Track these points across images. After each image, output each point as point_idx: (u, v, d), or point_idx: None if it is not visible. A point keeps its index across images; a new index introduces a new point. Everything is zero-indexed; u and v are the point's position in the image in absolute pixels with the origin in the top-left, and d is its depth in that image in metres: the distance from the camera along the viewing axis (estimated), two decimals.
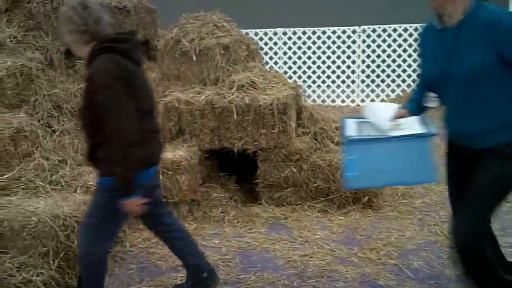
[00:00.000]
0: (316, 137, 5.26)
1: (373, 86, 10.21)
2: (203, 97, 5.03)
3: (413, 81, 10.00)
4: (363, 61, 10.10)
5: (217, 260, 4.10)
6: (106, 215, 3.10)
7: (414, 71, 9.96)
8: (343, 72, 10.19)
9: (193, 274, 3.56)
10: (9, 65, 5.00)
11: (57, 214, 3.80)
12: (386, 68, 10.05)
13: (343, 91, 10.33)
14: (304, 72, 10.39)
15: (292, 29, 10.23)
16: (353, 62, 10.11)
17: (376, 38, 9.95)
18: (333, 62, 10.18)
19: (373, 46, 9.99)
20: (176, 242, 3.55)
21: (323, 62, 10.24)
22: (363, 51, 10.06)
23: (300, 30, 10.19)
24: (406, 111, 3.19)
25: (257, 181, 5.13)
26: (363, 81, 10.21)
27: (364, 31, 9.97)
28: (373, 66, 10.09)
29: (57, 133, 5.07)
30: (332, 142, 5.27)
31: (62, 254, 3.75)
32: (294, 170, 4.99)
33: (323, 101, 10.30)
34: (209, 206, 4.97)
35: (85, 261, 3.19)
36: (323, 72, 10.30)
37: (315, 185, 5.02)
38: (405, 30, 9.84)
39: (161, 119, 5.18)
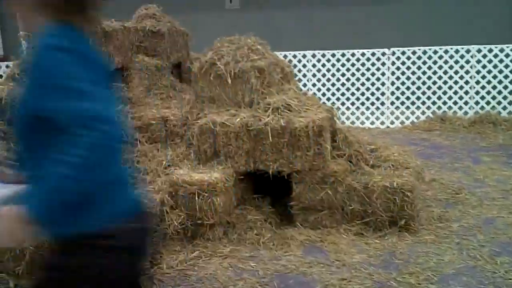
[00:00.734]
0: (351, 159, 5.23)
1: (402, 108, 10.14)
2: (238, 120, 5.06)
3: (444, 103, 9.92)
4: (393, 83, 10.07)
5: (254, 284, 4.07)
6: None
7: (444, 93, 9.88)
8: (373, 94, 10.16)
9: None
10: None
11: None
12: (416, 90, 9.99)
13: (372, 113, 10.29)
14: (333, 94, 10.39)
15: (321, 52, 10.27)
16: (383, 84, 10.08)
17: (406, 60, 9.92)
18: (363, 84, 10.16)
19: (403, 68, 9.95)
20: None
21: (353, 84, 10.23)
22: (393, 73, 10.02)
23: (329, 52, 10.23)
24: None
25: (292, 203, 5.11)
26: (392, 103, 10.15)
27: (393, 53, 9.95)
28: (402, 88, 10.04)
29: None
30: (367, 165, 5.23)
31: None
32: (330, 192, 4.96)
33: (352, 123, 10.27)
34: (244, 228, 4.96)
35: None
36: (353, 94, 10.28)
37: (350, 207, 4.98)
38: (435, 52, 9.80)
39: (196, 140, 5.24)
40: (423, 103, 10.03)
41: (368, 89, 10.17)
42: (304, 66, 10.39)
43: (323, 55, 10.28)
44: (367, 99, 10.21)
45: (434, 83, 9.90)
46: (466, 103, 9.85)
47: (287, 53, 10.21)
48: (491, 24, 10.39)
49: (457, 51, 9.70)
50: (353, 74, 10.17)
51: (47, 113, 1.77)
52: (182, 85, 7.38)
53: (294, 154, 4.93)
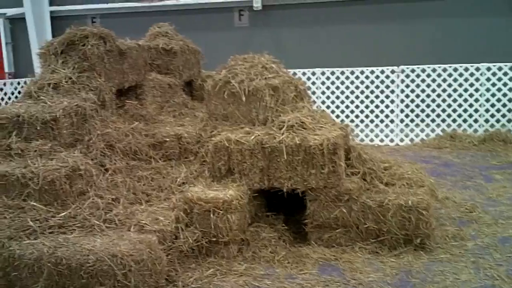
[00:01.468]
0: (365, 177, 5.23)
1: (412, 125, 10.14)
2: (252, 137, 5.09)
3: (453, 121, 9.92)
4: (402, 101, 10.08)
5: None
6: None
7: (454, 111, 9.88)
8: (382, 111, 10.18)
9: None
10: (65, 105, 5.18)
11: (115, 252, 3.84)
12: (425, 108, 10.00)
13: (381, 131, 10.29)
14: (342, 112, 10.41)
15: (330, 69, 10.32)
16: (392, 101, 10.09)
17: (415, 78, 9.95)
18: (372, 101, 10.18)
19: (412, 86, 9.98)
20: None
21: (362, 102, 10.25)
22: (402, 91, 10.05)
23: (338, 70, 10.27)
24: None
25: (306, 221, 5.10)
26: (402, 121, 10.16)
27: (403, 71, 9.99)
28: (412, 105, 10.05)
29: (109, 172, 5.17)
30: (381, 183, 5.23)
31: None
32: (344, 210, 4.96)
33: (362, 140, 10.26)
34: (258, 246, 4.95)
35: None
36: (362, 111, 10.30)
37: (365, 226, 4.97)
38: (445, 70, 9.83)
39: (210, 158, 5.26)
40: (433, 120, 10.03)
41: (377, 106, 10.18)
42: (313, 83, 10.43)
43: (332, 73, 10.33)
44: (377, 116, 10.23)
45: (444, 101, 9.91)
46: (476, 120, 9.85)
47: (296, 70, 10.25)
48: (501, 42, 10.43)
49: (466, 69, 9.73)
50: (362, 92, 10.20)
51: None
52: (193, 102, 7.43)
53: (309, 172, 4.94)
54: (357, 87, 10.24)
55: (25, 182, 4.54)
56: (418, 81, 9.95)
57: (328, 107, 10.43)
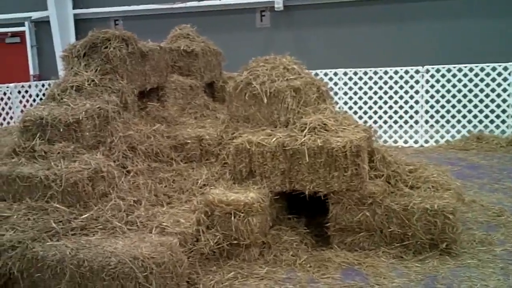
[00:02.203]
0: (389, 180, 5.13)
1: (437, 127, 9.97)
2: (274, 139, 5.04)
3: (480, 122, 9.72)
4: (427, 102, 9.91)
5: None
6: None
7: (480, 111, 9.67)
8: (406, 112, 10.02)
9: None
10: (88, 108, 5.20)
11: (136, 255, 3.83)
12: (451, 109, 9.82)
13: (405, 132, 10.14)
14: (365, 113, 10.28)
15: (353, 69, 10.21)
16: (416, 102, 9.93)
17: (440, 78, 9.77)
18: (395, 102, 10.04)
19: (437, 86, 9.81)
20: None
21: (385, 103, 10.11)
22: (427, 91, 9.88)
23: (361, 70, 10.15)
24: None
25: (328, 224, 5.03)
26: (426, 122, 9.99)
27: (427, 71, 9.82)
28: (437, 106, 9.87)
29: (131, 174, 5.18)
30: (406, 186, 5.12)
31: None
32: (368, 214, 4.87)
33: (385, 142, 10.12)
34: (280, 249, 4.91)
35: None
36: (385, 112, 10.16)
37: (389, 230, 4.87)
38: (471, 70, 9.63)
39: (231, 160, 5.23)
40: (459, 121, 9.84)
41: (401, 107, 10.03)
42: (336, 84, 10.33)
43: (355, 73, 10.21)
44: (400, 117, 10.07)
45: (470, 101, 9.71)
46: (503, 121, 9.62)
47: (318, 71, 10.16)
48: None
49: (494, 69, 9.51)
50: (385, 92, 10.06)
51: None
52: (215, 104, 7.41)
53: (331, 175, 4.87)
54: (380, 88, 10.10)
55: (48, 184, 4.57)
56: (443, 81, 9.78)
57: (350, 108, 10.32)
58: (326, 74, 10.38)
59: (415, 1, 11.17)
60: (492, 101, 9.60)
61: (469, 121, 9.80)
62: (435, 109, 9.89)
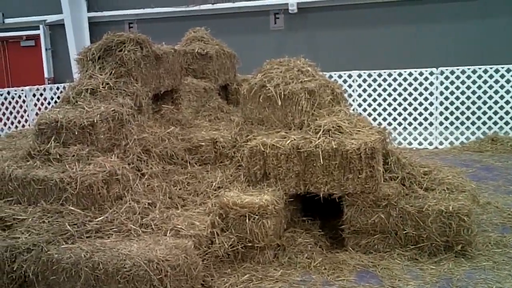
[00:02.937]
0: (404, 182, 5.10)
1: (452, 128, 9.88)
2: (288, 141, 5.03)
3: (495, 123, 9.62)
4: (441, 103, 9.83)
5: None
6: None
7: (495, 113, 9.57)
8: (420, 114, 9.94)
9: None
10: (102, 111, 5.23)
11: (151, 258, 3.84)
12: (465, 110, 9.72)
13: (420, 134, 10.06)
14: (380, 115, 10.23)
15: (367, 71, 10.16)
16: (431, 104, 9.85)
17: (455, 80, 9.68)
18: (410, 104, 9.96)
19: (452, 88, 9.72)
20: None
21: (399, 104, 10.05)
22: (441, 93, 9.80)
23: (375, 72, 10.10)
24: None
25: (343, 226, 5.01)
26: (441, 124, 9.91)
27: (442, 72, 9.74)
28: (451, 108, 9.79)
29: (146, 177, 5.20)
30: (421, 188, 5.08)
31: None
32: (382, 216, 4.84)
33: (399, 143, 10.05)
34: (294, 251, 4.90)
35: None
36: (399, 114, 10.09)
37: (404, 232, 4.84)
38: (485, 71, 9.53)
39: (246, 162, 5.22)
40: (473, 123, 9.75)
41: (415, 109, 9.95)
42: (350, 86, 10.28)
43: (369, 75, 10.16)
44: (415, 119, 10.00)
45: (485, 103, 9.61)
46: None
47: (332, 73, 10.14)
48: None
49: (508, 70, 9.41)
50: (400, 94, 9.99)
51: None
52: (229, 106, 7.42)
53: (346, 177, 4.85)
54: (394, 90, 10.03)
55: (63, 187, 4.60)
56: (457, 83, 9.68)
57: (364, 110, 10.27)
58: (340, 76, 10.34)
59: (429, 3, 11.11)
60: (507, 102, 9.49)
61: (484, 123, 9.70)
62: (449, 110, 9.80)
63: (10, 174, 4.78)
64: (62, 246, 4.11)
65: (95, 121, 5.06)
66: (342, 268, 4.68)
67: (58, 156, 4.91)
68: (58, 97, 11.42)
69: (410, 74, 9.90)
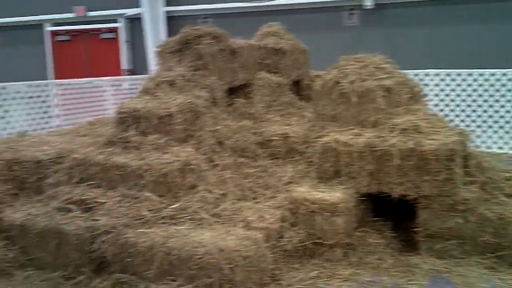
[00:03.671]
0: (485, 187, 4.86)
1: None
2: (362, 139, 4.94)
3: None
4: None
5: None
6: None
7: None
8: (502, 116, 9.46)
9: None
10: (179, 102, 5.35)
11: (222, 247, 3.90)
12: None
13: (501, 137, 9.57)
14: (457, 116, 9.82)
15: (445, 71, 9.78)
16: None
17: None
18: (491, 106, 9.50)
19: None
20: None
21: (479, 106, 9.60)
22: None
23: (454, 71, 9.71)
24: None
25: (416, 229, 4.86)
26: None
27: None
28: None
29: (218, 168, 5.27)
30: (502, 194, 4.83)
31: None
32: (460, 221, 4.65)
33: (477, 146, 9.60)
34: (364, 251, 4.81)
35: None
36: (479, 116, 9.64)
37: (482, 239, 4.62)
38: None
39: (317, 158, 5.18)
40: None
41: (496, 111, 9.48)
42: (426, 85, 9.93)
43: (448, 74, 9.77)
44: (495, 122, 9.52)
45: None
46: None
47: (407, 71, 9.82)
48: None
49: None
50: (480, 95, 9.55)
51: None
52: (301, 102, 7.38)
53: (422, 178, 4.70)
54: (474, 90, 9.59)
55: (140, 174, 4.75)
56: None
57: (441, 110, 9.89)
58: (416, 75, 10.02)
59: None
60: None
61: None
62: None
63: (92, 160, 5.00)
64: (139, 230, 4.25)
65: (173, 112, 5.19)
66: (414, 272, 4.54)
67: (136, 144, 5.07)
68: (135, 88, 11.81)
69: (492, 75, 9.44)
